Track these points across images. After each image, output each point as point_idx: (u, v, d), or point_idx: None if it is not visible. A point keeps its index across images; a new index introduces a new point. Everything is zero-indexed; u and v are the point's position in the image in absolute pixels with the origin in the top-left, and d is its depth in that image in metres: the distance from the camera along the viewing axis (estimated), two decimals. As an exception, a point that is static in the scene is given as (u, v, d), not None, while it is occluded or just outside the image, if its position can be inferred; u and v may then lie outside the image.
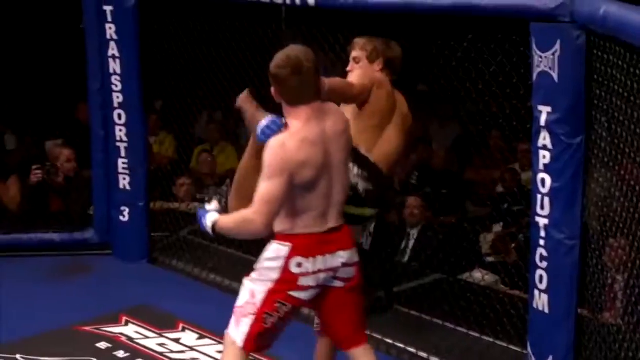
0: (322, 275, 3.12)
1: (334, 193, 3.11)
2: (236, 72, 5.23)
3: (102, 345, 4.27)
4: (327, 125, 3.05)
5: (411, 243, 5.43)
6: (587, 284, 3.50)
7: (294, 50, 3.07)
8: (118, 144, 5.31)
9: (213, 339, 4.27)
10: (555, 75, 3.31)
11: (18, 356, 4.16)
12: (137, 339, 4.33)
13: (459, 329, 4.40)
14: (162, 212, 6.10)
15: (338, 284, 3.18)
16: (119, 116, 5.25)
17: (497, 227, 5.54)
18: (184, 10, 5.06)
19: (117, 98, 5.22)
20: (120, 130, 5.28)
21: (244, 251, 5.14)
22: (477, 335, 4.30)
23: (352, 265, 3.20)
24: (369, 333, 4.30)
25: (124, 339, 4.35)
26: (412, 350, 4.23)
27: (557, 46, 3.30)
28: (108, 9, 5.11)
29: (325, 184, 3.06)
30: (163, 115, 6.70)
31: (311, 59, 3.00)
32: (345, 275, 3.17)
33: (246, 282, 3.21)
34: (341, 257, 3.14)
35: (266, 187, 2.93)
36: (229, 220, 3.14)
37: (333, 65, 4.46)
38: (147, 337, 4.38)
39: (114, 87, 5.21)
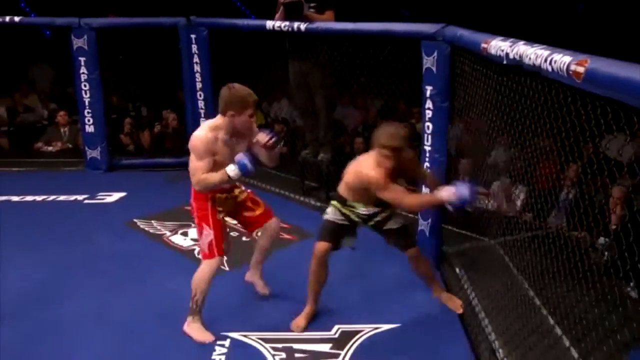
0: None
1: None
2: (264, 71, 5.16)
3: None
4: None
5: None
6: (450, 182, 3.53)
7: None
8: (200, 110, 5.23)
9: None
10: (434, 69, 3.31)
11: (153, 221, 4.19)
12: None
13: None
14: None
15: None
16: (200, 95, 5.18)
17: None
18: (236, 36, 4.95)
19: (199, 85, 5.15)
20: (201, 103, 5.20)
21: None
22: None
23: None
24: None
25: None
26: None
27: (435, 53, 3.29)
28: (193, 36, 5.02)
29: None
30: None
31: None
32: None
33: None
34: None
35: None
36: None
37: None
38: None
39: (197, 79, 5.13)
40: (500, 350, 2.56)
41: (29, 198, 4.68)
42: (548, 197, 3.56)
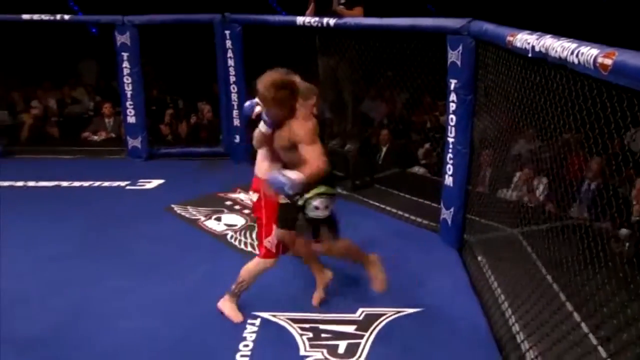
0: None
1: None
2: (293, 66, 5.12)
3: (228, 202, 4.32)
4: None
5: (383, 153, 5.40)
6: (472, 172, 3.47)
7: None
8: (233, 102, 5.24)
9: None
10: (459, 63, 3.25)
11: (189, 207, 4.23)
12: (243, 199, 4.33)
13: (409, 196, 4.38)
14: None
15: None
16: (233, 88, 5.18)
17: (427, 145, 5.46)
18: (265, 32, 4.94)
19: (233, 78, 5.15)
20: (234, 96, 5.20)
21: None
22: (417, 199, 4.29)
23: None
24: (360, 197, 4.38)
25: (237, 199, 4.37)
26: (387, 207, 4.19)
27: (460, 47, 3.23)
28: (227, 32, 5.03)
29: None
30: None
31: None
32: None
33: None
34: None
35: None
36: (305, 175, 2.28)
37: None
38: (247, 199, 4.33)
39: (230, 73, 5.13)
40: (520, 334, 2.52)
41: (76, 183, 4.80)
42: (570, 188, 3.47)
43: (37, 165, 5.30)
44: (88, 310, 2.89)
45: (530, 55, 2.19)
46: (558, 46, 1.90)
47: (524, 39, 2.26)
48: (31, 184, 4.77)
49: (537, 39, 2.13)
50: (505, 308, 2.75)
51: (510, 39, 2.41)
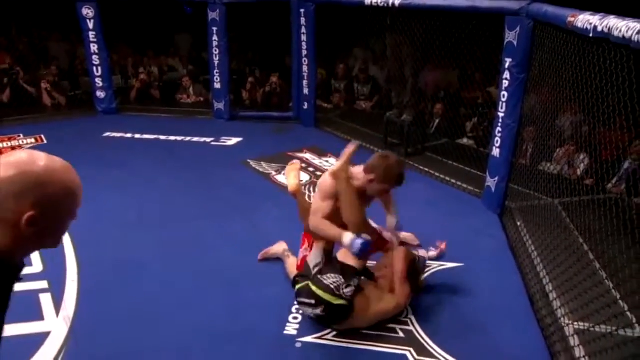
0: None
1: None
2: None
3: (295, 160, 4.29)
4: None
5: (435, 124, 5.20)
6: (517, 145, 3.28)
7: None
8: (304, 74, 5.17)
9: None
10: (515, 42, 3.02)
11: (262, 162, 4.30)
12: (310, 159, 4.37)
13: (457, 164, 4.23)
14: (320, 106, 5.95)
15: None
16: (305, 61, 5.11)
17: (474, 120, 5.18)
18: (332, 12, 4.79)
19: (304, 52, 5.07)
20: (305, 68, 5.12)
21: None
22: (463, 167, 4.14)
23: None
24: (412, 163, 4.28)
25: (304, 158, 4.39)
26: (436, 173, 4.09)
27: (518, 28, 2.99)
28: (302, 10, 4.92)
29: None
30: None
31: None
32: None
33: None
34: None
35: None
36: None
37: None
38: (314, 158, 4.39)
39: (303, 47, 5.05)
40: (553, 293, 2.41)
41: (171, 137, 4.99)
42: (606, 165, 3.22)
43: (142, 121, 5.53)
44: (180, 238, 3.04)
45: (591, 35, 1.98)
46: (623, 26, 1.71)
47: (585, 20, 2.04)
48: (137, 136, 5.01)
49: (601, 19, 1.92)
50: (540, 269, 2.64)
51: (572, 19, 2.19)
